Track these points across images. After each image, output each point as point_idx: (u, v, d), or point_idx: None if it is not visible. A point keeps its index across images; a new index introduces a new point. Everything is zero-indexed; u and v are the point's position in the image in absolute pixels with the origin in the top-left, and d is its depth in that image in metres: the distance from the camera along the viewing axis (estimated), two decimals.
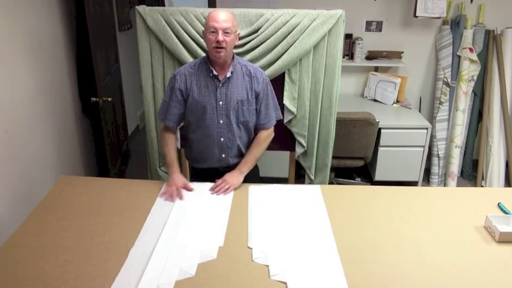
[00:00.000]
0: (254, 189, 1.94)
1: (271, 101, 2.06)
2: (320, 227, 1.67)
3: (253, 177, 2.11)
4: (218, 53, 1.84)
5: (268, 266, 1.45)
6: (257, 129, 2.09)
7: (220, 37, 1.80)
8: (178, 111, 2.00)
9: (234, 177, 1.97)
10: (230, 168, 2.05)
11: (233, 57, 1.97)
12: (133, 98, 4.44)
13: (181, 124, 2.13)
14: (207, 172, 2.09)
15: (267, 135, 2.08)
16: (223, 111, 1.96)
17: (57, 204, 1.79)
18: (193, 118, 2.00)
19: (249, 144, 2.10)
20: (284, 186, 1.98)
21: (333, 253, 1.51)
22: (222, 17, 1.81)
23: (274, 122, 2.10)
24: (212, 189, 1.93)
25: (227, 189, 1.91)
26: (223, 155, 2.05)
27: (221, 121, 1.98)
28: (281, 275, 1.41)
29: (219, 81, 1.93)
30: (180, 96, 1.97)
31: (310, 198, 1.86)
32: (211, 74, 1.92)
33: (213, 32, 1.81)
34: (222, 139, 2.01)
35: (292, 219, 1.72)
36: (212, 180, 1.98)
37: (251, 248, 1.54)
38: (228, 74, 1.93)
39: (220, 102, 1.95)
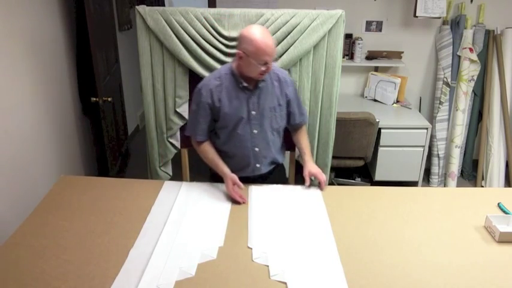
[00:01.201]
0: (254, 189, 1.94)
1: (300, 100, 2.07)
2: (320, 227, 1.67)
3: (281, 176, 2.10)
4: (262, 76, 1.82)
5: (268, 266, 1.45)
6: (292, 128, 2.10)
7: (271, 67, 1.78)
8: (206, 125, 1.94)
9: (316, 167, 1.98)
10: (262, 177, 2.04)
11: None
12: (134, 98, 4.44)
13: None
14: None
15: (305, 129, 2.12)
16: (257, 120, 1.91)
17: (57, 204, 1.79)
18: (226, 130, 1.94)
19: (280, 150, 2.09)
20: (284, 187, 1.98)
21: (333, 253, 1.51)
22: (271, 47, 1.73)
23: (307, 118, 2.12)
24: (321, 188, 1.94)
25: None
26: (258, 165, 2.01)
27: (255, 131, 1.93)
28: (281, 275, 1.41)
29: (250, 90, 1.87)
30: (208, 110, 1.90)
31: (310, 198, 1.86)
32: (240, 85, 1.86)
33: (264, 63, 1.74)
34: (256, 149, 1.96)
35: (292, 220, 1.72)
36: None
37: (251, 248, 1.54)
38: (261, 84, 1.87)
39: (253, 112, 1.89)
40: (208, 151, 1.97)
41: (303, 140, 2.07)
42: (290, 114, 2.02)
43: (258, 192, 1.91)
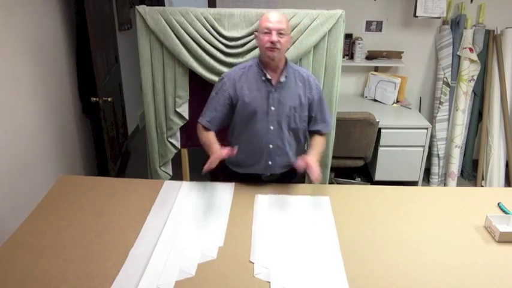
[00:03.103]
0: (260, 198, 1.85)
1: (326, 107, 2.02)
2: (326, 241, 1.59)
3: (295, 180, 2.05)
4: (272, 53, 1.80)
5: (269, 282, 1.38)
6: (312, 134, 2.03)
7: (275, 37, 1.77)
8: (221, 114, 1.93)
9: (315, 160, 1.81)
10: (274, 177, 1.99)
11: (286, 62, 1.91)
12: (134, 98, 4.44)
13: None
14: (248, 178, 2.00)
15: (324, 140, 2.03)
16: (275, 117, 1.89)
17: (57, 204, 1.79)
18: (241, 122, 1.93)
19: (297, 153, 2.02)
20: (291, 197, 1.88)
21: (338, 264, 1.47)
22: (276, 18, 1.79)
23: (330, 128, 2.02)
24: (315, 178, 1.75)
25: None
26: (270, 162, 1.97)
27: (271, 127, 1.91)
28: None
29: (272, 85, 1.86)
30: (228, 100, 1.90)
31: (318, 211, 1.77)
32: (263, 78, 1.86)
33: (266, 32, 1.79)
34: (270, 146, 1.94)
35: (297, 233, 1.64)
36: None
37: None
38: (283, 79, 1.86)
39: (272, 108, 1.87)
40: (209, 134, 1.93)
41: (318, 143, 1.98)
42: (311, 119, 1.98)
43: (263, 202, 1.81)
